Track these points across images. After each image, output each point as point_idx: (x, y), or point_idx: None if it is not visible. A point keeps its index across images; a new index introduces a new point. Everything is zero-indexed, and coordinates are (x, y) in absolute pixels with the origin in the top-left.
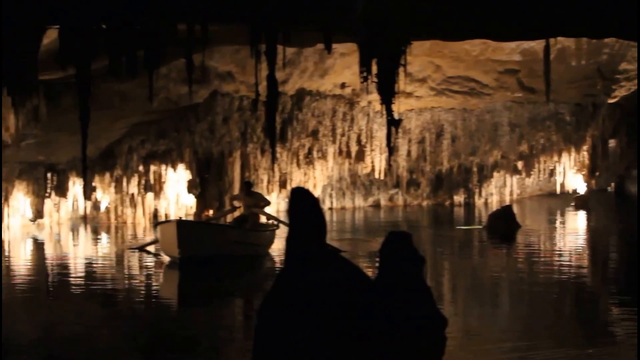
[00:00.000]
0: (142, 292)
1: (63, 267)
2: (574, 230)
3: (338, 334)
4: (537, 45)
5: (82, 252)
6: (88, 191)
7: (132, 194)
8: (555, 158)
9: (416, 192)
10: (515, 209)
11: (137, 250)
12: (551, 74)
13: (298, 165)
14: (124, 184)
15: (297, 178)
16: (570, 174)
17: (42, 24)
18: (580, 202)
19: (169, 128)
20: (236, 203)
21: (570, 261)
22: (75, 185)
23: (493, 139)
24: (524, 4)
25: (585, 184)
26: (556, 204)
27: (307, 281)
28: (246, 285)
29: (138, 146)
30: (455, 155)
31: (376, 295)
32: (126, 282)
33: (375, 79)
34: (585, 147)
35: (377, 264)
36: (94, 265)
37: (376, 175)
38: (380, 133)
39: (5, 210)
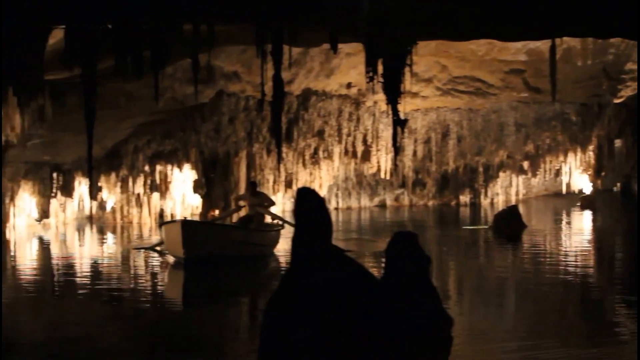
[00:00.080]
0: (147, 292)
1: (68, 267)
2: (579, 230)
3: (344, 333)
4: (543, 45)
5: (87, 252)
6: (94, 191)
7: (138, 194)
8: (561, 158)
9: (422, 192)
10: (521, 209)
11: (142, 250)
12: (557, 74)
13: (304, 165)
14: (130, 183)
15: (303, 178)
16: (576, 174)
17: (47, 24)
18: (586, 202)
19: (175, 128)
20: (241, 203)
21: (575, 261)
22: (81, 185)
23: (499, 139)
24: (529, 4)
25: (591, 184)
26: (562, 204)
27: (313, 281)
28: (251, 286)
29: (144, 146)
30: (461, 155)
31: (382, 295)
32: (131, 282)
33: (381, 79)
34: (591, 147)
35: (382, 264)
36: (100, 265)
37: (382, 175)
38: (386, 133)
39: (11, 210)
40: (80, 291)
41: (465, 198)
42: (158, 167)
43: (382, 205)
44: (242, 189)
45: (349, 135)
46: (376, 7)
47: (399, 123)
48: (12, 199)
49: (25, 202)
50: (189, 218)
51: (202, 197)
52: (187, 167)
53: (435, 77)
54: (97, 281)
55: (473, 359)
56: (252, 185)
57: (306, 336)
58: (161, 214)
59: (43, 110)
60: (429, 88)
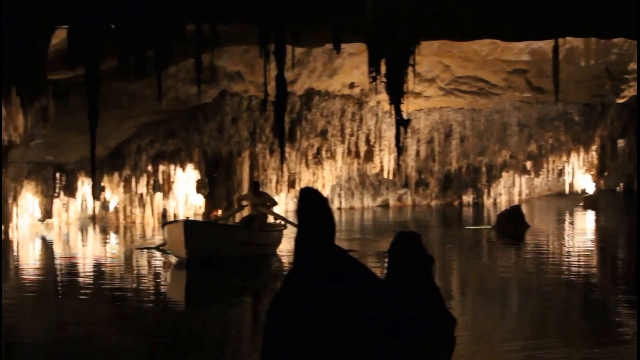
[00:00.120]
0: (150, 292)
1: (71, 267)
2: (582, 231)
3: (347, 333)
4: (546, 45)
5: (90, 252)
6: (97, 191)
7: (141, 194)
8: (564, 158)
9: (425, 192)
10: (524, 209)
11: (145, 250)
12: (560, 74)
13: (307, 165)
14: (133, 183)
15: (306, 178)
16: (579, 174)
17: (51, 24)
18: (589, 202)
19: (178, 128)
20: (244, 203)
21: (578, 261)
22: (84, 185)
23: (502, 139)
24: (533, 4)
25: (594, 184)
26: (565, 204)
27: (316, 281)
28: (254, 286)
29: (147, 146)
30: (464, 155)
31: (385, 295)
32: (134, 282)
33: (384, 79)
34: (594, 147)
35: (385, 264)
36: (102, 265)
37: (385, 175)
38: (389, 133)
39: (14, 210)
40: (83, 291)
41: (468, 198)
42: (161, 167)
43: (385, 206)
44: (245, 189)
45: (351, 135)
46: (379, 7)
47: (402, 123)
48: (15, 199)
49: (28, 202)
50: (191, 218)
51: (205, 197)
52: (190, 167)
53: (438, 77)
54: (99, 281)
55: (475, 359)
56: (255, 185)
57: (309, 336)
58: (164, 214)
59: (46, 110)
60: (432, 88)
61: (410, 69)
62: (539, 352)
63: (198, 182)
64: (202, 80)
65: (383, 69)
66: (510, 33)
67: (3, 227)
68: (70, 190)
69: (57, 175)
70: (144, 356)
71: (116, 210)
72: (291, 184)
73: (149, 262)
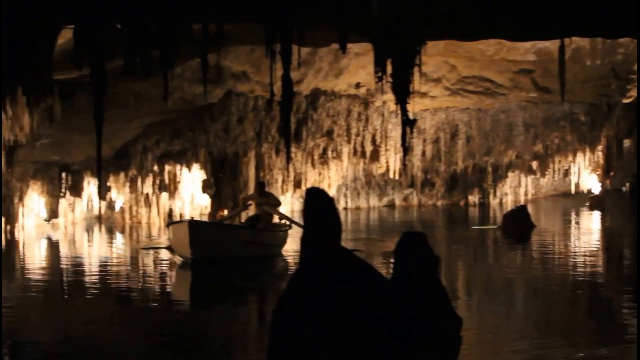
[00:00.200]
0: (155, 292)
1: (77, 267)
2: (588, 231)
3: (353, 334)
4: (552, 45)
5: (96, 252)
6: (103, 191)
7: (147, 194)
8: (570, 158)
9: (431, 192)
10: (530, 209)
11: (152, 251)
12: (566, 74)
13: (313, 165)
14: (139, 183)
15: (312, 178)
16: (585, 174)
17: (56, 24)
18: (595, 202)
19: (184, 128)
20: (249, 203)
21: (584, 261)
22: (90, 185)
23: (508, 139)
24: (538, 4)
25: (600, 184)
26: (571, 204)
27: (322, 281)
28: (259, 286)
29: (153, 146)
30: (470, 155)
31: (391, 295)
32: (139, 282)
33: (390, 79)
34: (600, 147)
35: (391, 264)
36: (108, 265)
37: (391, 175)
38: (395, 133)
39: (20, 210)
40: (89, 291)
41: (474, 198)
42: (167, 167)
43: (391, 205)
44: (251, 189)
45: (357, 135)
46: (385, 7)
47: (408, 123)
48: (21, 199)
49: (34, 202)
50: (196, 218)
51: (210, 197)
52: (196, 167)
53: (444, 77)
54: (105, 281)
55: (482, 359)
56: (260, 185)
57: (315, 336)
58: (170, 213)
59: (52, 110)
60: (438, 88)
61: (416, 69)
62: (545, 351)
63: (204, 182)
64: (208, 80)
65: (389, 68)
66: (516, 33)
67: (9, 227)
68: (76, 190)
69: (63, 175)
70: (149, 355)
71: (122, 210)
72: (297, 184)
73: (154, 262)
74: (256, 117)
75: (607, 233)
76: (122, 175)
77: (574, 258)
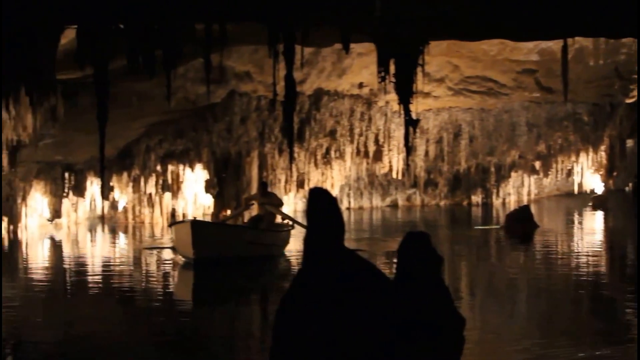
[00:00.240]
0: (158, 291)
1: (80, 267)
2: (591, 231)
3: (356, 334)
4: (555, 45)
5: (99, 252)
6: (106, 191)
7: (150, 194)
8: (573, 158)
9: (434, 192)
10: (533, 209)
11: (155, 250)
12: (569, 74)
13: (316, 165)
14: (142, 183)
15: (315, 178)
16: (588, 174)
17: (60, 24)
18: (598, 202)
19: (187, 128)
20: (252, 202)
21: (587, 261)
22: (93, 185)
23: (511, 139)
24: (541, 4)
25: (603, 184)
26: (574, 204)
27: (325, 280)
28: (262, 286)
29: (156, 146)
30: (473, 155)
31: (394, 295)
32: (142, 281)
33: (393, 79)
34: (603, 147)
35: (394, 264)
36: (111, 265)
37: (394, 175)
38: (398, 133)
39: (23, 210)
40: (91, 290)
41: (477, 198)
42: (170, 167)
43: (394, 205)
44: (254, 188)
45: (360, 135)
46: (388, 7)
47: (411, 123)
48: (24, 198)
49: (37, 202)
50: (199, 218)
51: (213, 197)
52: (199, 167)
53: (447, 77)
54: (107, 281)
55: (484, 359)
56: (263, 185)
57: (318, 336)
58: (173, 213)
59: (55, 110)
60: (441, 88)
61: (419, 69)
62: (548, 351)
63: (207, 182)
64: (211, 80)
65: (392, 68)
66: (519, 33)
67: (12, 227)
68: (79, 190)
69: (66, 175)
70: (152, 355)
71: (125, 210)
72: (300, 184)
73: (157, 262)
74: (259, 117)
75: (610, 233)
76: (125, 175)
77: (576, 258)
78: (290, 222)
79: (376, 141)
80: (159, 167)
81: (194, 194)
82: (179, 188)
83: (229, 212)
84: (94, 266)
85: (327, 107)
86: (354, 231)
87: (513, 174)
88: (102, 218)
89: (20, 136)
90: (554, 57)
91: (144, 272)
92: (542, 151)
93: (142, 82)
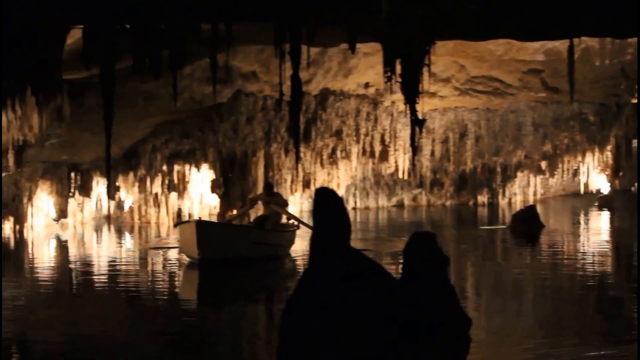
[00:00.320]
0: (163, 291)
1: (85, 267)
2: (597, 231)
3: (362, 333)
4: (561, 45)
5: (105, 252)
6: (112, 191)
7: (156, 194)
8: (579, 158)
9: (440, 192)
10: (539, 209)
11: (161, 250)
12: (575, 73)
13: (322, 165)
14: (148, 183)
15: (321, 178)
16: (594, 174)
17: (66, 24)
18: (603, 202)
19: (193, 128)
20: (256, 202)
21: (593, 261)
22: (99, 185)
23: (517, 138)
24: (548, 4)
25: (609, 184)
26: (580, 204)
27: (331, 280)
28: (267, 286)
29: (162, 146)
30: (479, 155)
31: (400, 294)
32: (148, 281)
33: (399, 79)
34: (609, 147)
35: (401, 264)
36: (116, 265)
37: (400, 175)
38: (404, 133)
39: (29, 210)
40: (96, 290)
41: (483, 198)
42: (176, 167)
43: (400, 205)
44: (260, 188)
45: (366, 135)
46: (394, 7)
47: (417, 123)
48: (30, 198)
49: (43, 202)
50: (204, 218)
51: (219, 197)
52: (205, 166)
53: (454, 77)
54: (112, 280)
55: (490, 358)
56: (268, 186)
57: (324, 336)
58: (179, 213)
59: (61, 109)
60: (447, 88)
61: (425, 69)
62: (553, 350)
63: (213, 182)
64: (217, 80)
65: (398, 68)
66: (525, 33)
67: (18, 227)
68: (85, 190)
69: (72, 174)
70: (156, 355)
71: (131, 210)
72: (306, 184)
73: (163, 262)
74: (265, 117)
75: (616, 233)
76: (131, 175)
77: (582, 258)
78: (296, 223)
79: (382, 141)
80: (165, 167)
81: (200, 194)
82: (185, 188)
83: (234, 212)
84: (100, 266)
85: (333, 107)
86: (360, 231)
87: (519, 174)
88: (108, 218)
89: (26, 136)
90: (560, 57)
91: (149, 272)
92: (548, 151)
93: (149, 82)
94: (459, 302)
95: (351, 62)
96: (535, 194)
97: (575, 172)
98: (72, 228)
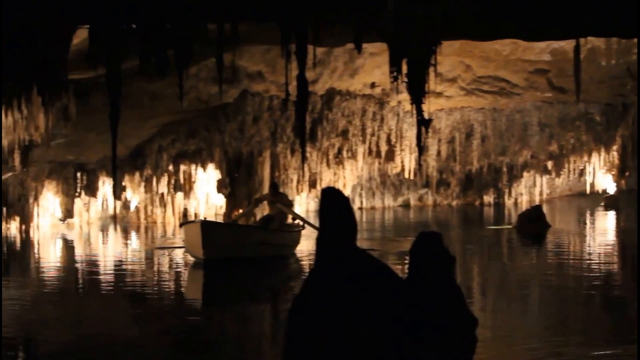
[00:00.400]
0: (169, 291)
1: (91, 266)
2: (603, 231)
3: (368, 333)
4: (567, 45)
5: (110, 252)
6: (118, 191)
7: (162, 194)
8: (585, 158)
9: (446, 192)
10: (545, 209)
11: (167, 250)
12: (581, 73)
13: (328, 165)
14: (154, 183)
15: (327, 178)
16: (600, 174)
17: (72, 24)
18: (609, 202)
19: (199, 128)
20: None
21: (600, 261)
22: (105, 185)
23: (523, 138)
24: (554, 4)
25: (615, 184)
26: (586, 204)
27: (337, 280)
28: (272, 286)
29: (168, 146)
30: (485, 155)
31: (406, 294)
32: (153, 281)
33: (405, 79)
34: (615, 147)
35: (407, 264)
36: (122, 264)
37: (406, 175)
38: (410, 133)
39: (35, 210)
40: (102, 290)
41: (489, 198)
42: (182, 167)
43: (406, 205)
44: (266, 188)
45: (372, 135)
46: (401, 7)
47: (423, 123)
48: (36, 198)
49: (49, 202)
50: (210, 218)
51: (226, 197)
52: (211, 166)
53: (460, 77)
54: (118, 280)
55: (496, 358)
56: (274, 186)
57: (330, 336)
58: (185, 213)
59: (67, 109)
60: (453, 88)
61: (431, 69)
62: (559, 349)
63: (219, 181)
64: (223, 80)
65: (404, 68)
66: (531, 33)
67: (24, 227)
68: (91, 189)
69: (78, 174)
70: (160, 354)
71: (137, 209)
72: (312, 184)
73: (168, 262)
74: (271, 116)
75: (622, 233)
76: (137, 175)
77: (588, 258)
78: (301, 223)
79: (388, 141)
80: (171, 167)
81: (206, 193)
82: (191, 188)
83: (240, 212)
84: (105, 266)
85: (339, 107)
86: (366, 231)
87: (525, 174)
88: (114, 218)
89: (32, 136)
90: (566, 57)
91: (154, 272)
92: (554, 151)
93: (155, 82)
94: (465, 302)
95: (357, 62)
96: (541, 194)
97: (582, 172)
98: (78, 228)
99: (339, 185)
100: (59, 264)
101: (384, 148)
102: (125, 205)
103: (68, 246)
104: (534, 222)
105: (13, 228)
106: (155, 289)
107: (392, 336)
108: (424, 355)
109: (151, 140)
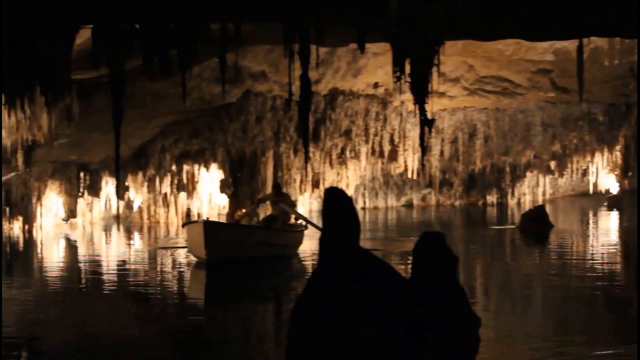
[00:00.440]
0: (172, 291)
1: (94, 266)
2: (606, 231)
3: (371, 333)
4: (570, 45)
5: (113, 252)
6: (121, 191)
7: (165, 194)
8: (588, 158)
9: (449, 191)
10: (548, 209)
11: (170, 250)
12: (584, 73)
13: (331, 165)
14: (157, 183)
15: (330, 178)
16: (603, 174)
17: (75, 24)
18: (613, 202)
19: (202, 127)
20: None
21: (602, 261)
22: (108, 185)
23: (526, 138)
24: (557, 4)
25: (618, 184)
26: (589, 204)
27: (340, 280)
28: (275, 286)
29: (171, 146)
30: (488, 155)
31: (409, 294)
32: (156, 281)
33: (408, 79)
34: (618, 147)
35: (410, 264)
36: (125, 264)
37: (409, 175)
38: (413, 133)
39: (38, 210)
40: (104, 290)
41: (492, 198)
42: (185, 167)
43: (409, 205)
44: (269, 188)
45: (376, 135)
46: (404, 7)
47: (426, 123)
48: (39, 198)
49: (52, 202)
50: (213, 218)
51: (228, 197)
52: (214, 166)
53: (463, 76)
54: (121, 280)
55: (499, 358)
56: (276, 187)
57: (333, 335)
58: (188, 213)
59: (70, 109)
60: (456, 88)
61: (434, 69)
62: (562, 349)
63: (222, 181)
64: (226, 79)
65: (407, 68)
66: (534, 33)
67: (27, 227)
68: (94, 189)
69: (81, 174)
70: (163, 354)
71: (140, 209)
72: (315, 184)
73: (171, 261)
74: (274, 116)
75: (625, 233)
76: (140, 174)
77: (591, 258)
78: (304, 223)
79: (391, 141)
80: (174, 167)
81: (209, 193)
82: (194, 188)
83: (243, 211)
84: (108, 266)
85: (342, 107)
86: (369, 231)
87: (528, 174)
88: (117, 218)
89: (35, 136)
90: (569, 57)
91: (157, 271)
92: (557, 151)
93: (158, 82)
94: (468, 302)
95: (360, 62)
96: (544, 194)
97: (584, 172)
98: (81, 228)
99: (342, 185)
100: (61, 264)
101: (387, 148)
102: (128, 205)
103: (71, 246)
104: (537, 222)
105: (16, 228)
106: (158, 289)
107: (395, 336)
108: (427, 355)
109: (154, 140)
